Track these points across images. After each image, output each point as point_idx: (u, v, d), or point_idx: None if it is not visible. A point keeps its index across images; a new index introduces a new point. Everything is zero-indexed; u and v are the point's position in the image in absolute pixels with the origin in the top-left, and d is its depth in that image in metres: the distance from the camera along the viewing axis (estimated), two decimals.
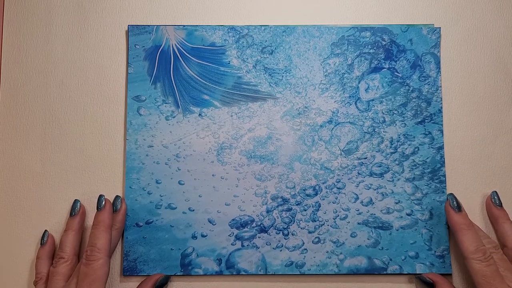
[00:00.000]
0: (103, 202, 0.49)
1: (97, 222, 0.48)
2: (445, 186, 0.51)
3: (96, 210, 0.49)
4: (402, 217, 0.50)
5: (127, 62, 0.52)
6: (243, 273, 0.50)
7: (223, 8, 0.54)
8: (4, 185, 0.52)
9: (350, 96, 0.52)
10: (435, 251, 0.50)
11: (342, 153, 0.51)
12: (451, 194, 0.49)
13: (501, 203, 0.50)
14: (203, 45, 0.52)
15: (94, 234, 0.47)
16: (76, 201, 0.50)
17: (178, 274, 0.50)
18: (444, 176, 0.51)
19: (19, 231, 0.51)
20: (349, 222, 0.50)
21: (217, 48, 0.52)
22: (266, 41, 0.52)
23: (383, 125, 0.51)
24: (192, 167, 0.51)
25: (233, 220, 0.50)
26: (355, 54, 0.52)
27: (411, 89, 0.52)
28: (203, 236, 0.50)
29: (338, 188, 0.51)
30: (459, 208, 0.48)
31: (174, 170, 0.51)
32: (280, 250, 0.50)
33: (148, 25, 0.52)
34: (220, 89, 0.52)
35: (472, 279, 0.46)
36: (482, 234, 0.48)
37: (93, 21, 0.53)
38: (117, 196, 0.50)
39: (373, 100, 0.52)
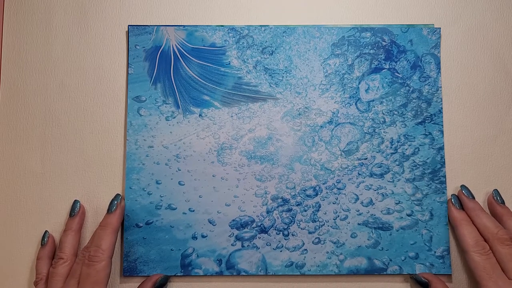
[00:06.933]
0: (115, 206, 0.49)
1: (105, 224, 0.48)
2: (446, 187, 0.51)
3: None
4: (402, 217, 0.50)
5: (127, 63, 0.52)
6: (243, 273, 0.50)
7: (223, 8, 0.54)
8: (4, 185, 0.52)
9: (350, 97, 0.52)
10: (435, 252, 0.50)
11: (342, 153, 0.51)
12: (455, 194, 0.51)
13: (504, 201, 0.50)
14: (203, 46, 0.52)
15: (100, 235, 0.47)
16: (75, 202, 0.50)
17: (178, 274, 0.50)
18: (444, 176, 0.51)
19: (19, 231, 0.51)
20: (349, 223, 0.50)
21: (218, 49, 0.52)
22: (267, 41, 0.52)
23: (384, 125, 0.51)
24: (192, 167, 0.51)
25: (233, 220, 0.51)
26: (355, 55, 0.52)
27: (411, 89, 0.52)
28: (203, 236, 0.50)
29: (338, 189, 0.51)
30: (460, 205, 0.50)
31: (174, 171, 0.51)
32: (280, 251, 0.50)
33: (148, 26, 0.52)
34: (220, 90, 0.52)
35: (472, 272, 0.47)
36: (494, 223, 0.48)
37: (93, 21, 0.53)
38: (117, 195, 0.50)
39: (373, 100, 0.52)
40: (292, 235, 0.50)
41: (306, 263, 0.50)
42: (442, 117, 0.51)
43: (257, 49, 0.52)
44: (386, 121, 0.51)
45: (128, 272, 0.50)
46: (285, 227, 0.50)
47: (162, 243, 0.50)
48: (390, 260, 0.50)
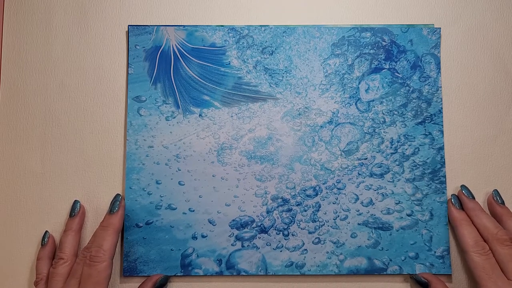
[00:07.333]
0: (117, 207, 0.49)
1: (107, 224, 0.48)
2: (445, 187, 0.51)
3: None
4: (402, 217, 0.50)
5: (127, 63, 0.52)
6: (243, 273, 0.50)
7: (223, 8, 0.54)
8: (4, 185, 0.52)
9: (350, 97, 0.52)
10: (435, 252, 0.50)
11: (342, 153, 0.51)
12: (455, 194, 0.51)
13: (503, 201, 0.50)
14: (203, 46, 0.52)
15: (102, 236, 0.47)
16: (76, 202, 0.50)
17: (178, 274, 0.50)
18: (444, 176, 0.51)
19: (19, 231, 0.51)
20: (349, 223, 0.50)
21: (218, 49, 0.52)
22: (267, 41, 0.52)
23: (384, 125, 0.51)
24: (192, 167, 0.51)
25: (233, 220, 0.51)
26: (355, 55, 0.52)
27: (411, 89, 0.52)
28: (203, 236, 0.50)
29: (338, 189, 0.51)
30: (460, 205, 0.50)
31: (174, 171, 0.51)
32: (280, 251, 0.50)
33: (148, 26, 0.52)
34: (220, 90, 0.52)
35: (472, 272, 0.47)
36: (494, 224, 0.48)
37: (93, 21, 0.53)
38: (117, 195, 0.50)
39: (373, 100, 0.52)
40: (292, 235, 0.50)
41: (306, 263, 0.50)
42: (442, 117, 0.51)
43: (257, 49, 0.52)
44: (386, 121, 0.51)
45: (128, 272, 0.50)
46: (285, 227, 0.50)
47: (162, 243, 0.50)
48: (390, 260, 0.50)
